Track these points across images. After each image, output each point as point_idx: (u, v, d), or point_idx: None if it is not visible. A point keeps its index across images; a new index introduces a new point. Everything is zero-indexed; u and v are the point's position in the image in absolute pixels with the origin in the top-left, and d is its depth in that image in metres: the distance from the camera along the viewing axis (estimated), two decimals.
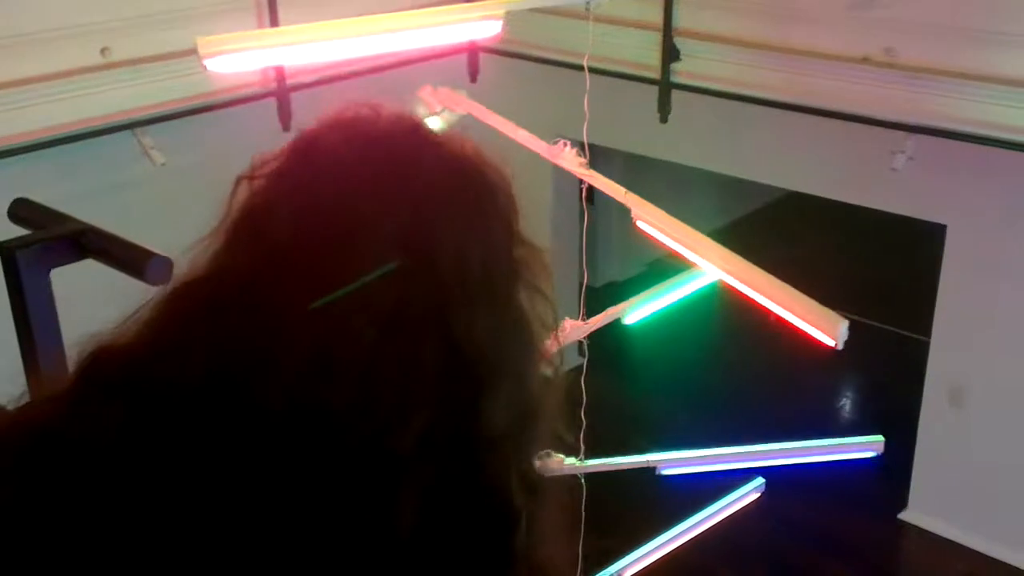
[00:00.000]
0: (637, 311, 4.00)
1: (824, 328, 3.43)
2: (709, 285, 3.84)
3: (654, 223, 3.81)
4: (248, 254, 0.72)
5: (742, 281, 3.59)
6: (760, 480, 4.09)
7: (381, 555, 0.60)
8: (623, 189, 3.92)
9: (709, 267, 3.74)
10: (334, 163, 0.74)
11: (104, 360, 0.71)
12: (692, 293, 3.91)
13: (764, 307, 3.58)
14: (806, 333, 3.46)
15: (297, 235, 0.70)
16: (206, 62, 3.04)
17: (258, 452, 0.61)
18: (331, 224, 0.70)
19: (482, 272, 0.72)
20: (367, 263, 0.68)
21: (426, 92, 4.58)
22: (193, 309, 0.73)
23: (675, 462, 3.97)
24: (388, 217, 0.71)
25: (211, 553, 0.57)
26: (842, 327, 3.40)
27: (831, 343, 3.42)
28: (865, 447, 3.93)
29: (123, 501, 0.59)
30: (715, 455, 3.99)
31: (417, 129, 0.80)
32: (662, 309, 3.96)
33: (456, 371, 0.69)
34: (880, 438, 3.92)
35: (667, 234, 3.80)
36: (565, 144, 4.09)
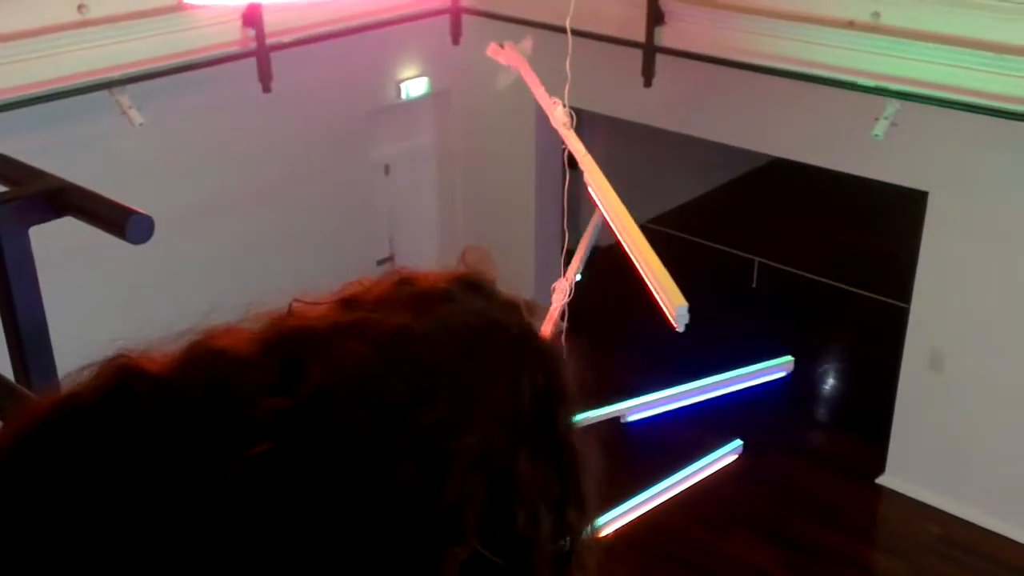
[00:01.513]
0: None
1: (668, 308, 3.81)
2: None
3: (595, 190, 4.18)
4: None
5: (632, 250, 4.08)
6: (738, 442, 4.19)
7: None
8: (584, 151, 4.15)
9: (617, 234, 4.18)
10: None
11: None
12: None
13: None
14: None
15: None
16: None
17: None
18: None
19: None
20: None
21: (492, 49, 4.88)
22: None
23: (636, 408, 4.29)
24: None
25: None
26: (680, 310, 3.74)
27: (674, 324, 3.79)
28: (777, 368, 4.21)
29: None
30: (659, 398, 4.29)
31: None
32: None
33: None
34: (789, 358, 4.21)
35: (601, 202, 4.20)
36: (558, 102, 4.24)
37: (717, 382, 4.14)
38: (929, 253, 7.55)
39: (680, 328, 3.77)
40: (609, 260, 11.32)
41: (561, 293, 4.26)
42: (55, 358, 2.11)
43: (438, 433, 0.64)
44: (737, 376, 4.13)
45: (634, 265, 4.01)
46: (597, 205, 4.19)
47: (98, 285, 7.42)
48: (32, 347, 1.59)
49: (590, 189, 4.21)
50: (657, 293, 3.88)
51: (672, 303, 3.75)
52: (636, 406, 4.24)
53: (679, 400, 4.21)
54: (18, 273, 1.60)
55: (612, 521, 4.52)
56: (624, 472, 7.77)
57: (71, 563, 0.56)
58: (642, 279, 4.05)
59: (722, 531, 7.74)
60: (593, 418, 4.32)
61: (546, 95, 4.40)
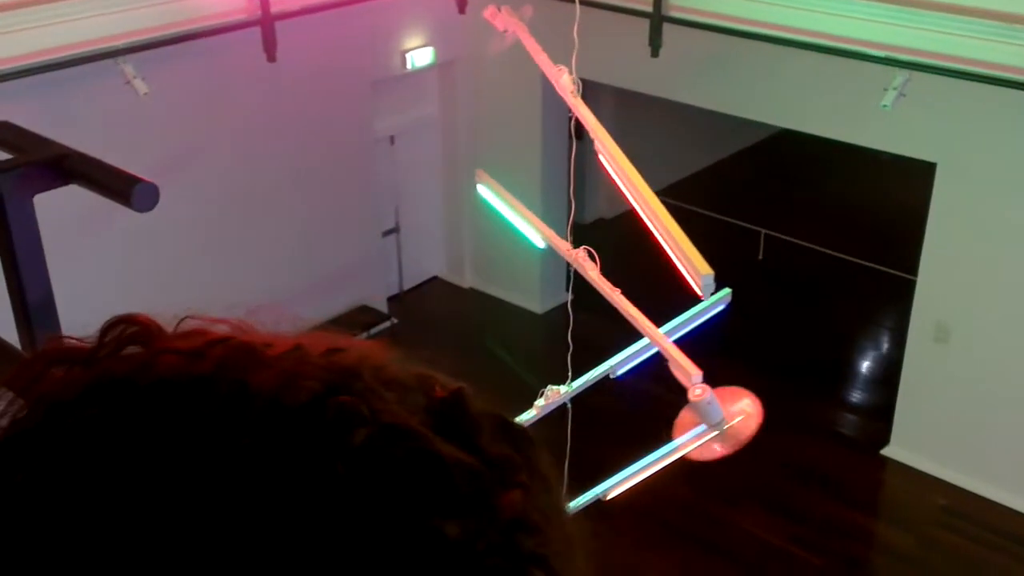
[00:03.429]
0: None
1: (693, 276, 3.76)
2: None
3: (608, 160, 4.06)
4: None
5: (652, 220, 3.99)
6: (727, 291, 4.30)
7: None
8: (595, 120, 4.11)
9: (636, 205, 4.07)
10: None
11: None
12: None
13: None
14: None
15: None
16: None
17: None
18: None
19: None
20: None
21: (490, 12, 4.81)
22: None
23: (620, 364, 4.28)
24: None
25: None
26: (706, 279, 3.71)
27: (699, 293, 3.77)
28: (716, 304, 4.24)
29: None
30: (634, 352, 4.30)
31: None
32: None
33: None
34: (727, 291, 4.22)
35: (617, 174, 4.06)
36: (563, 71, 4.19)
37: (670, 330, 4.18)
38: (936, 225, 7.52)
39: (706, 297, 3.74)
40: (615, 231, 11.29)
41: (576, 260, 4.26)
42: (61, 328, 2.12)
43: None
44: (681, 322, 4.21)
45: (652, 235, 4.00)
46: (611, 175, 4.13)
47: (103, 255, 7.43)
48: (38, 314, 1.59)
49: (602, 159, 4.14)
50: (680, 262, 3.83)
51: (698, 272, 3.72)
52: (621, 361, 4.30)
53: (653, 349, 4.24)
54: (23, 240, 1.59)
55: (615, 487, 4.53)
56: (625, 443, 7.81)
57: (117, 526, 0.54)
58: (656, 249, 4.04)
59: (728, 504, 7.76)
60: (588, 382, 4.38)
61: (549, 62, 4.35)
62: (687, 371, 3.98)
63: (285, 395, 0.56)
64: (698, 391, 3.93)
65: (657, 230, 3.97)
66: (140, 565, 0.52)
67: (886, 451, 8.25)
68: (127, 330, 0.63)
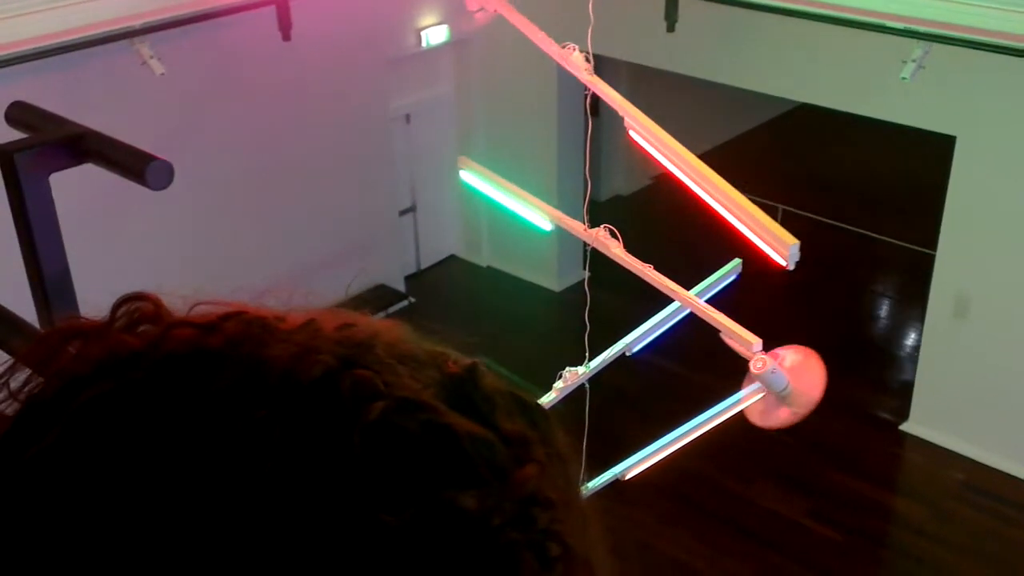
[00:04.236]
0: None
1: (776, 248, 3.53)
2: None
3: (646, 137, 3.84)
4: None
5: (713, 193, 3.74)
6: (737, 261, 4.23)
7: None
8: (620, 97, 3.95)
9: (692, 184, 3.84)
10: None
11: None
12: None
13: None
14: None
15: None
16: None
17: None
18: None
19: None
20: None
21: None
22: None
23: (635, 341, 4.19)
24: None
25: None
26: (793, 248, 3.49)
27: (783, 263, 3.52)
28: (728, 275, 4.12)
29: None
30: (648, 328, 4.22)
31: None
32: None
33: None
34: (737, 261, 4.11)
35: (658, 149, 3.84)
36: (573, 48, 4.09)
37: (686, 300, 4.07)
38: (955, 199, 7.46)
39: (791, 267, 3.54)
40: (632, 207, 11.27)
41: (595, 241, 4.15)
42: (79, 307, 2.13)
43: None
44: (698, 293, 4.13)
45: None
46: (648, 150, 3.93)
47: (120, 236, 7.47)
48: (55, 292, 1.60)
49: (635, 135, 3.91)
50: (759, 234, 3.61)
51: (783, 242, 3.50)
52: (636, 338, 4.23)
53: (667, 324, 4.17)
54: (40, 219, 1.61)
55: (636, 465, 4.53)
56: (643, 421, 7.81)
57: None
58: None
59: (747, 479, 7.77)
60: (604, 361, 4.34)
61: (550, 41, 4.21)
62: (746, 340, 3.77)
63: (299, 369, 0.56)
64: (759, 363, 3.70)
65: (719, 202, 3.71)
66: (156, 538, 0.52)
67: (905, 426, 8.23)
68: (138, 306, 0.63)
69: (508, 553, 0.54)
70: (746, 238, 3.74)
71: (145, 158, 1.69)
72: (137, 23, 6.94)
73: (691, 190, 3.85)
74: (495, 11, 4.35)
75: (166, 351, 0.58)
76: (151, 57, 6.96)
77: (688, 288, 4.09)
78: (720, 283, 4.16)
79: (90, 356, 0.59)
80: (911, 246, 9.83)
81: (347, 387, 0.55)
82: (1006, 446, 7.66)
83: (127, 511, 0.52)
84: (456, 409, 0.57)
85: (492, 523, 0.54)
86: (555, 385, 4.29)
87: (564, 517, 0.58)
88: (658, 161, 3.92)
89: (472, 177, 5.01)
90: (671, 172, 3.88)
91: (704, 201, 3.83)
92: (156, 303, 0.63)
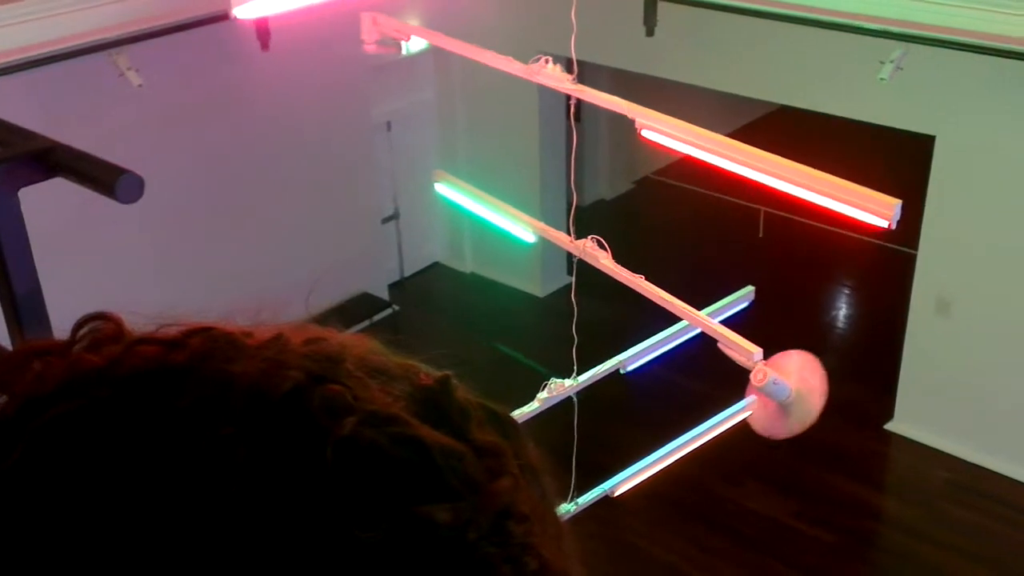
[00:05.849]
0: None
1: (876, 211, 3.26)
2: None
3: (664, 130, 3.68)
4: None
5: (778, 172, 3.48)
6: (750, 288, 4.15)
7: None
8: (622, 100, 3.85)
9: (733, 166, 3.60)
10: None
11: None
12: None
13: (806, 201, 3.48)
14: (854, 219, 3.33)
15: None
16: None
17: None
18: None
19: None
20: None
21: (367, 21, 4.37)
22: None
23: (632, 359, 4.10)
24: None
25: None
26: (896, 207, 3.25)
27: (884, 224, 3.27)
28: (740, 300, 4.05)
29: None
30: (647, 347, 4.11)
31: None
32: None
33: None
34: (749, 288, 4.03)
35: (680, 140, 3.67)
36: (547, 61, 3.98)
37: (687, 325, 3.97)
38: (936, 198, 7.49)
39: (893, 226, 3.28)
40: (615, 212, 11.27)
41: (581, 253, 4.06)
42: (51, 324, 2.10)
43: None
44: (709, 313, 4.03)
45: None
46: (670, 146, 3.72)
47: (95, 251, 7.42)
48: (27, 310, 1.58)
49: (650, 134, 3.74)
50: (853, 203, 3.35)
51: (883, 203, 3.25)
52: (632, 356, 4.13)
53: (669, 343, 4.09)
54: (10, 235, 1.58)
55: (630, 479, 4.46)
56: (636, 427, 7.80)
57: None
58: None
59: (734, 481, 7.77)
60: (594, 376, 4.25)
61: (506, 58, 4.07)
62: (746, 350, 3.62)
63: (268, 384, 0.55)
64: (759, 375, 3.55)
65: (794, 180, 3.46)
66: (121, 558, 0.50)
67: (890, 425, 8.25)
68: (99, 325, 0.61)
69: (485, 568, 0.53)
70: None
71: (115, 171, 1.67)
72: (114, 34, 6.90)
73: (732, 173, 3.61)
74: (406, 38, 4.14)
75: (129, 368, 0.57)
76: (129, 69, 6.92)
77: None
78: (730, 308, 4.05)
79: (51, 375, 0.58)
80: (892, 245, 9.86)
81: (317, 402, 0.54)
82: (990, 443, 7.70)
83: (90, 531, 0.51)
84: (428, 422, 0.56)
85: (468, 537, 0.53)
86: (539, 395, 4.20)
87: (539, 530, 0.57)
88: (683, 154, 3.75)
89: (449, 190, 4.93)
90: (704, 161, 3.66)
91: (756, 182, 3.56)
92: (118, 323, 0.62)
